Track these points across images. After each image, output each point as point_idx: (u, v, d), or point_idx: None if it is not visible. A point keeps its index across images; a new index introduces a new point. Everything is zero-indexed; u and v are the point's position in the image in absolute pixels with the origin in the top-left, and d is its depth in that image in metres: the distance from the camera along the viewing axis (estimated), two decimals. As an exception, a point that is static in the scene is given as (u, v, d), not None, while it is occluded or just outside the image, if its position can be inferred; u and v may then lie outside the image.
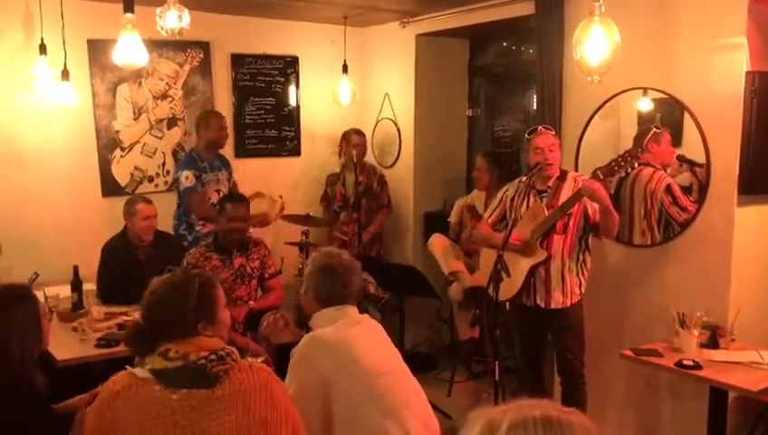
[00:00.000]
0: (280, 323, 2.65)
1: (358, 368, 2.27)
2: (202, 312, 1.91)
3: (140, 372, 1.82)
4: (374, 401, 2.26)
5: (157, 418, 1.75)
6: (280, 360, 2.41)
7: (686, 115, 3.55)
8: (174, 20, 2.38)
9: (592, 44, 2.77)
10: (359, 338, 2.35)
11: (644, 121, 3.81)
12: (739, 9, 3.24)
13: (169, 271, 2.05)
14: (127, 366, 1.89)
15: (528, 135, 3.64)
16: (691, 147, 3.57)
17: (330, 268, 2.43)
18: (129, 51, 2.87)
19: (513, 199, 3.69)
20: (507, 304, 3.69)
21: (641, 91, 3.75)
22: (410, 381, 2.44)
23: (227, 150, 5.17)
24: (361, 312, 2.53)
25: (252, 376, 1.86)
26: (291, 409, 1.91)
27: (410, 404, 2.34)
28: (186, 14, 2.42)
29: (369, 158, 5.70)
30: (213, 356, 1.83)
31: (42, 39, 4.24)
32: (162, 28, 2.41)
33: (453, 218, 5.11)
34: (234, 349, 1.92)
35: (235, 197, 4.25)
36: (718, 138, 3.42)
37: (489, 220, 3.81)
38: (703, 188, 3.51)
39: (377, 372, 2.30)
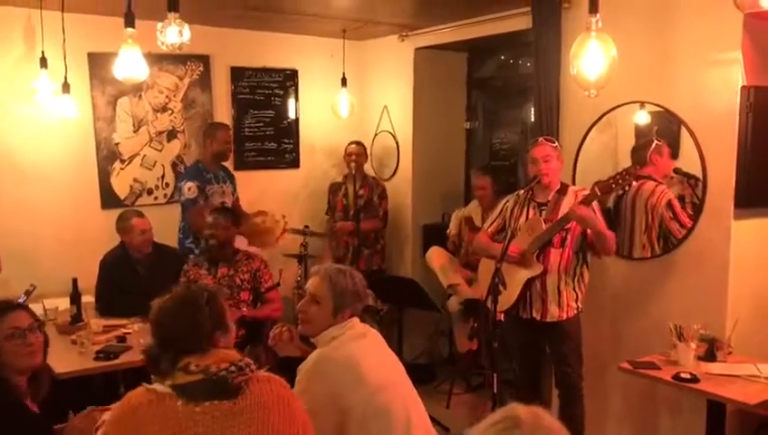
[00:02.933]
0: (285, 335, 2.64)
1: (364, 383, 2.28)
2: (216, 322, 1.93)
3: (160, 387, 1.81)
4: (380, 414, 2.27)
5: (181, 431, 1.75)
6: (283, 372, 2.41)
7: (683, 129, 3.57)
8: (175, 35, 2.40)
9: (589, 59, 2.78)
10: (364, 352, 2.36)
11: (641, 134, 3.83)
12: (734, 24, 3.27)
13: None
14: (143, 383, 1.88)
15: (529, 146, 3.67)
16: (688, 160, 3.59)
17: (342, 273, 2.46)
18: (130, 65, 2.89)
19: (512, 211, 3.70)
20: (503, 315, 3.70)
21: (638, 104, 3.78)
22: (412, 392, 2.46)
23: (227, 163, 5.19)
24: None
25: (270, 388, 1.87)
26: (308, 425, 1.92)
27: (413, 416, 2.36)
28: (186, 30, 2.44)
29: (368, 170, 5.72)
30: (233, 368, 1.83)
31: (42, 52, 4.28)
32: (163, 43, 2.43)
33: (452, 230, 5.12)
34: (250, 360, 1.92)
35: (220, 209, 4.30)
36: (714, 152, 3.45)
37: (489, 230, 3.82)
38: (698, 201, 3.53)
39: (381, 386, 2.31)
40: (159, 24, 2.43)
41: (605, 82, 2.81)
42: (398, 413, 2.31)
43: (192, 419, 1.76)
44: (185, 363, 1.82)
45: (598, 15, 2.75)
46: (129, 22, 2.84)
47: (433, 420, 4.29)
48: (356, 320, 2.46)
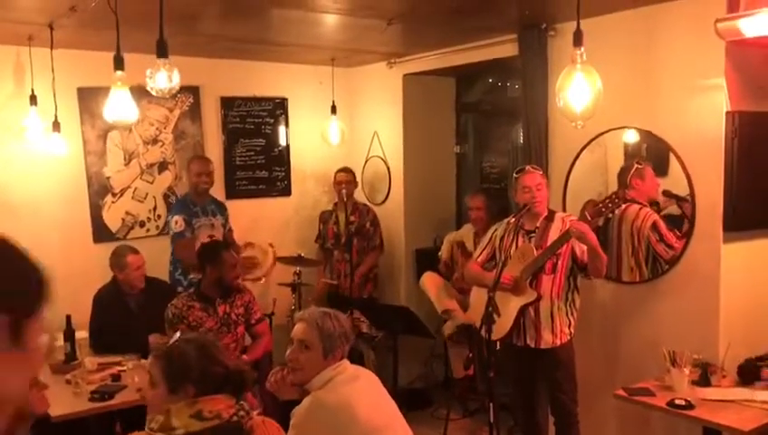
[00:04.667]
0: (288, 379, 2.65)
1: (357, 426, 2.29)
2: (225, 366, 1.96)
3: None
4: None
5: None
6: (285, 415, 2.42)
7: (672, 154, 3.62)
8: (164, 80, 2.42)
9: (575, 91, 2.82)
10: (357, 395, 2.36)
11: (631, 153, 3.87)
12: (717, 51, 3.32)
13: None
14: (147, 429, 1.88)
15: (516, 174, 3.69)
16: (677, 182, 3.63)
17: (328, 316, 2.47)
18: (120, 107, 2.91)
19: (502, 239, 3.72)
20: (498, 343, 3.71)
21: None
22: (405, 431, 2.47)
23: (218, 192, 5.21)
24: (355, 351, 2.54)
25: (269, 431, 1.91)
26: None
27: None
28: (175, 74, 2.46)
29: (360, 195, 5.74)
30: (242, 412, 1.86)
31: (32, 90, 4.30)
32: (152, 88, 2.45)
33: (443, 254, 5.13)
34: (244, 402, 1.94)
35: (225, 244, 4.31)
36: (702, 176, 3.49)
37: (478, 259, 3.84)
38: (690, 224, 3.56)
39: (375, 428, 2.32)
40: (149, 71, 2.45)
41: (591, 113, 2.85)
42: None
43: None
44: (197, 411, 1.82)
45: (582, 49, 2.79)
46: (119, 65, 2.86)
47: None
48: (346, 362, 2.47)
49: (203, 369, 1.91)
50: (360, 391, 2.40)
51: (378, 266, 5.53)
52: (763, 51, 3.33)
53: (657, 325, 3.70)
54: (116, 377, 3.52)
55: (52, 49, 4.16)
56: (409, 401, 5.01)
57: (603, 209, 3.34)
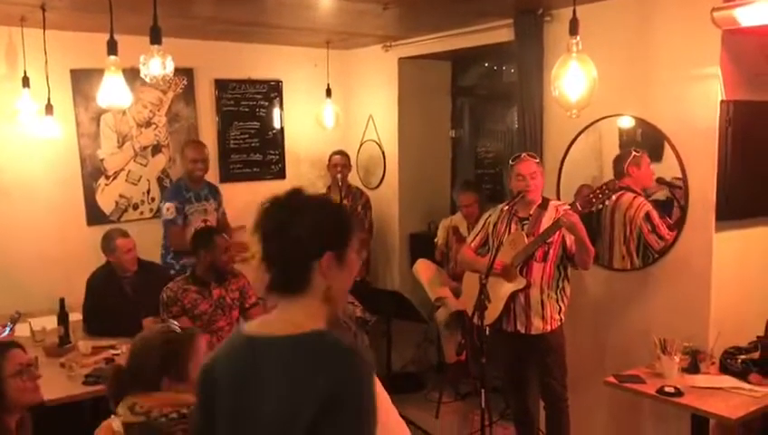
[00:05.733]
0: None
1: None
2: (166, 368, 1.96)
3: (116, 424, 1.89)
4: None
5: None
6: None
7: (666, 142, 3.62)
8: (158, 67, 2.41)
9: (570, 81, 2.82)
10: None
11: (626, 139, 3.87)
12: (713, 40, 3.32)
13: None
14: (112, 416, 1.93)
15: (511, 161, 3.69)
16: (671, 168, 3.63)
17: None
18: (113, 92, 2.89)
19: (495, 225, 3.74)
20: (488, 329, 3.72)
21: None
22: (399, 425, 2.47)
23: (213, 175, 5.19)
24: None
25: None
26: None
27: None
28: (169, 61, 2.45)
29: (354, 179, 5.74)
30: (175, 415, 1.86)
31: (25, 71, 4.26)
32: (146, 75, 2.44)
33: (439, 240, 5.14)
34: None
35: (216, 229, 4.32)
36: (696, 165, 3.50)
37: (472, 245, 3.85)
38: (682, 212, 3.57)
39: None
40: (142, 57, 2.44)
41: (586, 102, 2.85)
42: None
43: None
44: (132, 402, 1.88)
45: (578, 37, 2.78)
46: (112, 50, 2.84)
47: (423, 430, 4.36)
48: None
49: None
50: None
51: (369, 251, 5.53)
52: (758, 40, 3.33)
53: (648, 313, 3.72)
54: (110, 360, 3.52)
55: (44, 30, 4.12)
56: (402, 385, 5.06)
57: (594, 200, 3.35)
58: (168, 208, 4.67)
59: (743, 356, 3.21)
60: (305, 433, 1.29)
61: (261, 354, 1.40)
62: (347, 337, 1.54)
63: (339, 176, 5.21)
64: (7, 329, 3.74)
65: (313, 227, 1.41)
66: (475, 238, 3.86)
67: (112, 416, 1.94)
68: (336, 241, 1.43)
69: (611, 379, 3.28)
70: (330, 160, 5.41)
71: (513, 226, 3.65)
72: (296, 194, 1.46)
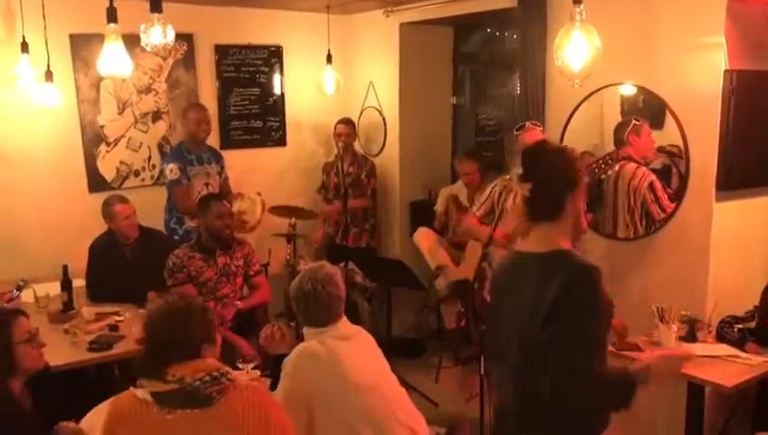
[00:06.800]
0: (277, 335, 2.71)
1: (344, 383, 2.35)
2: (206, 334, 2.00)
3: (141, 393, 1.90)
4: (359, 414, 2.34)
5: None
6: (278, 369, 2.49)
7: (668, 111, 3.61)
8: (159, 36, 2.39)
9: (573, 50, 2.78)
10: (346, 353, 2.42)
11: (627, 108, 3.85)
12: (717, 9, 3.29)
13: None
14: (131, 387, 1.96)
15: (516, 131, 3.68)
16: (672, 138, 3.62)
17: (308, 295, 2.48)
18: (114, 61, 2.87)
19: (501, 195, 3.74)
20: (489, 297, 3.75)
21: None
22: (397, 393, 2.52)
23: (213, 142, 5.18)
24: (350, 301, 2.60)
25: (247, 396, 1.92)
26: (287, 430, 1.97)
27: (396, 415, 2.42)
28: (170, 30, 2.42)
29: (357, 147, 5.72)
30: (207, 378, 1.89)
31: (23, 37, 4.22)
32: (147, 44, 2.42)
33: (438, 208, 5.15)
34: (229, 368, 1.98)
35: (216, 195, 4.29)
36: (697, 134, 3.49)
37: (477, 214, 3.87)
38: (683, 181, 3.58)
39: (363, 388, 2.39)
40: (143, 26, 2.42)
41: (589, 72, 2.82)
42: (379, 413, 2.38)
43: (164, 426, 1.85)
44: (164, 372, 1.90)
45: (581, 6, 2.75)
46: (112, 17, 2.81)
47: (422, 395, 4.42)
48: (342, 320, 2.52)
49: None
50: (350, 349, 2.45)
51: (374, 218, 5.54)
52: (763, 9, 3.30)
53: (648, 282, 3.75)
54: (113, 327, 3.56)
55: (43, -6, 4.08)
56: (403, 350, 5.11)
57: (596, 169, 3.36)
58: (172, 169, 4.63)
59: (739, 325, 3.23)
60: (545, 319, 1.83)
61: (523, 265, 1.99)
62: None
63: (341, 145, 5.18)
64: (15, 295, 3.77)
65: (567, 166, 1.96)
66: (480, 208, 3.88)
67: (132, 388, 1.95)
68: (576, 178, 1.97)
69: (609, 347, 3.30)
70: (335, 129, 5.38)
71: (517, 195, 3.64)
72: (548, 143, 2.21)
